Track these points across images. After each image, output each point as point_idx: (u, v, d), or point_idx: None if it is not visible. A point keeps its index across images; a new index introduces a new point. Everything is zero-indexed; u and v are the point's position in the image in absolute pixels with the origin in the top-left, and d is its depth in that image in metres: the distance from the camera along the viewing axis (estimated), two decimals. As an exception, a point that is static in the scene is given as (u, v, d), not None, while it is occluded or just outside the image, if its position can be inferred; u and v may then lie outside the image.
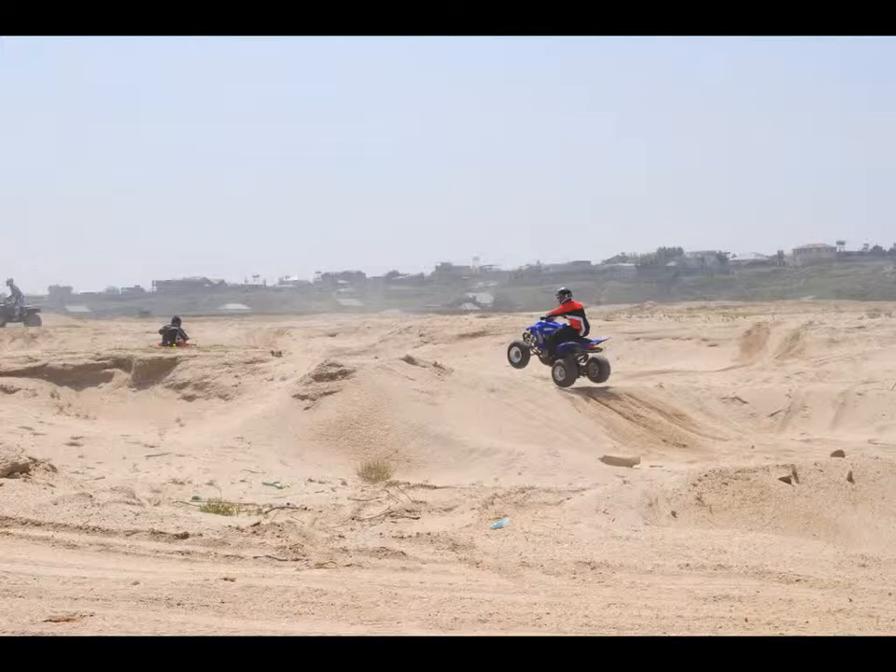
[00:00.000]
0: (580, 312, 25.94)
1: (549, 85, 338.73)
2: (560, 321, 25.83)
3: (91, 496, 10.60)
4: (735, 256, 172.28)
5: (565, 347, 25.10)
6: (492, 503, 11.87)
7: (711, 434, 23.60)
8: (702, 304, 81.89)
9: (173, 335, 36.35)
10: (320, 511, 12.59)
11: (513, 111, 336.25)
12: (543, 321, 26.40)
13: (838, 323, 39.51)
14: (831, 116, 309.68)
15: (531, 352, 26.11)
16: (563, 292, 26.20)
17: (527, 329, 26.94)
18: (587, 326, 25.96)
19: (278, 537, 9.42)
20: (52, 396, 22.55)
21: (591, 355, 25.14)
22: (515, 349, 26.64)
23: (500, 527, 10.24)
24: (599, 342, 25.86)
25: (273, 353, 26.36)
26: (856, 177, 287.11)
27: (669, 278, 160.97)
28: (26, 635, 5.87)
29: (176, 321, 37.55)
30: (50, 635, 5.87)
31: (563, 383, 24.43)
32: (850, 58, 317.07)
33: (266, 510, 12.54)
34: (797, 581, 7.95)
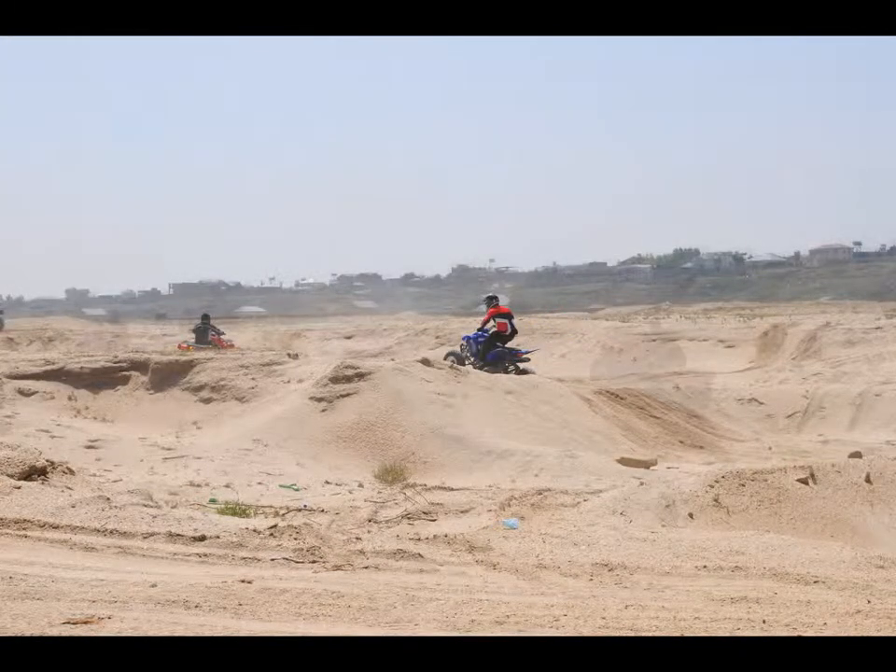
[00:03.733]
0: (507, 315, 27.33)
1: (563, 84, 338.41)
2: (489, 326, 26.86)
3: (108, 498, 10.63)
4: (751, 256, 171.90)
5: (494, 356, 26.02)
6: (509, 505, 11.86)
7: (728, 435, 23.59)
8: (718, 305, 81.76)
9: (206, 332, 36.31)
10: (337, 513, 12.59)
11: (528, 112, 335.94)
12: (478, 332, 27.46)
13: (855, 324, 39.34)
14: (849, 115, 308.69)
15: (466, 362, 26.64)
16: (489, 298, 27.93)
17: (463, 340, 28.08)
18: (514, 329, 27.40)
19: (295, 539, 9.43)
20: (70, 398, 22.59)
21: (520, 365, 26.49)
22: (451, 358, 27.22)
23: (512, 527, 10.24)
24: (527, 352, 27.01)
25: (289, 355, 26.37)
26: (873, 177, 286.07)
27: (686, 279, 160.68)
28: (45, 635, 5.89)
29: (206, 318, 37.52)
30: (69, 635, 5.88)
31: None
32: (871, 56, 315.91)
33: (283, 512, 12.55)
34: (815, 582, 7.93)
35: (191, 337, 37.48)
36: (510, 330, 27.03)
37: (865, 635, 6.31)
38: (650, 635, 6.27)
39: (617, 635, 6.28)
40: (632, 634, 6.30)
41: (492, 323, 27.07)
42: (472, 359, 26.89)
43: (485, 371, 24.93)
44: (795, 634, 6.31)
